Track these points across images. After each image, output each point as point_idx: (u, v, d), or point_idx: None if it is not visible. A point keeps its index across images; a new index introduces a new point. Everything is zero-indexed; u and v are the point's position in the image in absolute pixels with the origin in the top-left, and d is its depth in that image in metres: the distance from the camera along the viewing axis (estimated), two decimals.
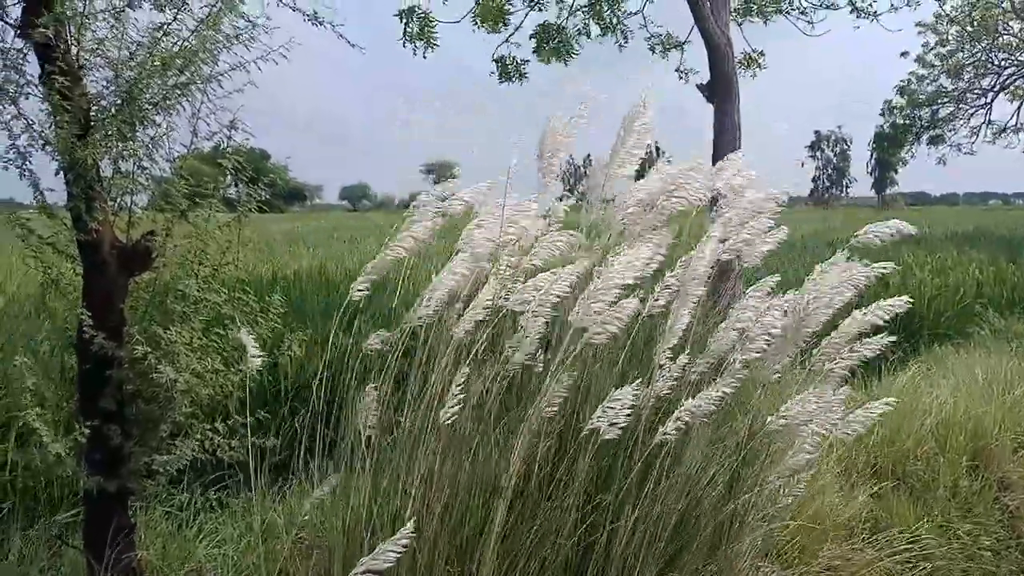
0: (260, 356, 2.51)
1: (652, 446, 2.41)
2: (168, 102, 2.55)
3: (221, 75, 2.62)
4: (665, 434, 2.38)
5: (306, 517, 2.70)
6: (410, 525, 1.98)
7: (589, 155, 3.21)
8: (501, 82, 12.01)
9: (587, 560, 2.49)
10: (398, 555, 1.93)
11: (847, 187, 64.71)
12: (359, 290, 2.65)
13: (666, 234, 2.91)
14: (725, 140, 8.41)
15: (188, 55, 2.52)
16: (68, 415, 2.80)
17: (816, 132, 63.51)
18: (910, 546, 3.83)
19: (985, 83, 23.09)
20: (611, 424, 2.28)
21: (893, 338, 2.97)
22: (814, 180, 59.95)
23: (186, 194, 2.65)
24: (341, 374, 2.63)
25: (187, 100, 2.59)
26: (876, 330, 2.96)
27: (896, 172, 55.54)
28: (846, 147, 63.64)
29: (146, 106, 2.51)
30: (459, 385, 2.32)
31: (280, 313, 2.90)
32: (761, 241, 3.08)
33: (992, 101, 23.08)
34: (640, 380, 2.43)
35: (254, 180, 2.79)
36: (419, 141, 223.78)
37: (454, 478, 2.45)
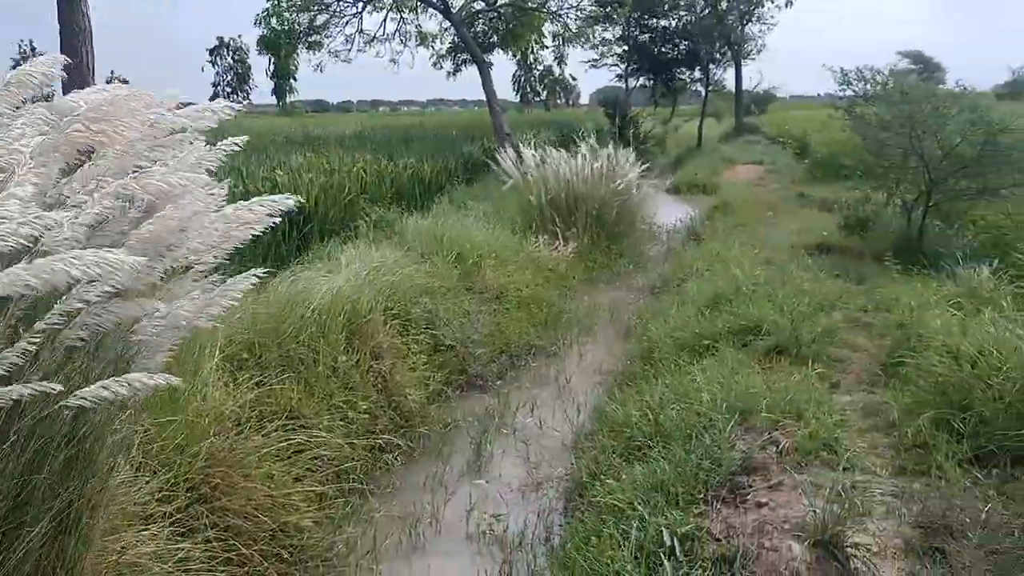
0: None
1: None
2: None
3: None
4: None
5: None
6: None
7: None
8: None
9: None
10: None
11: (247, 94, 65.12)
12: None
13: None
14: (74, 38, 7.37)
15: None
16: None
17: (219, 38, 61.99)
18: (292, 423, 4.09)
19: None
20: None
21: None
22: (214, 86, 59.07)
23: None
24: None
25: None
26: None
27: (295, 80, 57.46)
28: (245, 54, 63.66)
29: None
30: None
31: None
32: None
33: (363, 11, 24.65)
34: None
35: None
36: None
37: None
